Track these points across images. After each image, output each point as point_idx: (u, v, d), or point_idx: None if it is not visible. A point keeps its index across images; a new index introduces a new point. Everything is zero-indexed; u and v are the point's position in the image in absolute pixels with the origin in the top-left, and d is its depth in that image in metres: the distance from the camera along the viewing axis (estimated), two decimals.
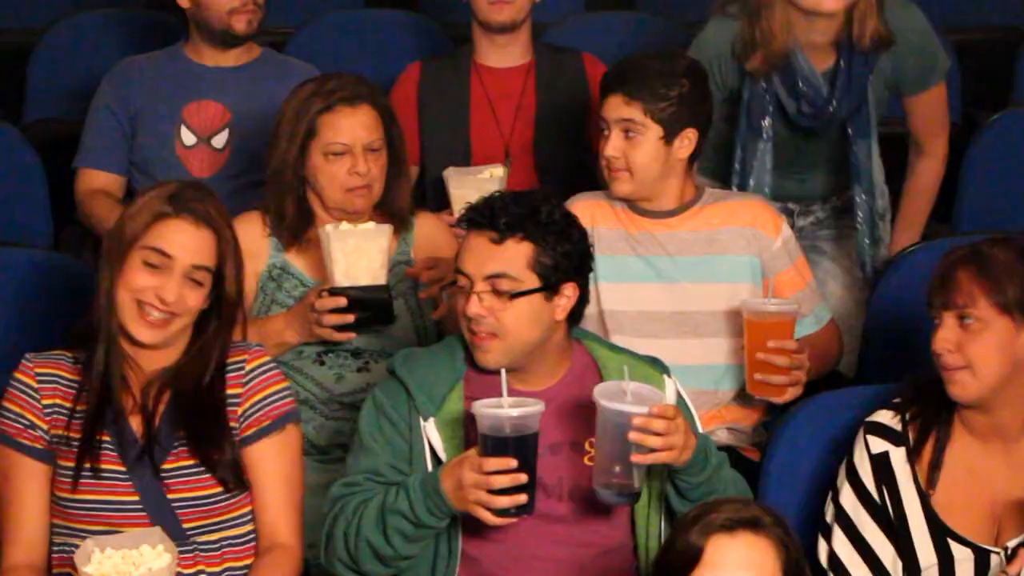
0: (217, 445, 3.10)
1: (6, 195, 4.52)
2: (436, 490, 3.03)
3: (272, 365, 3.21)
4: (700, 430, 3.24)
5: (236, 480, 3.11)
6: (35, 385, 3.10)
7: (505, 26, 4.42)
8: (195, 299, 3.11)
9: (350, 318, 3.55)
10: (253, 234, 3.72)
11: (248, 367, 3.17)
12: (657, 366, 3.28)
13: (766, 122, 4.10)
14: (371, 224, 3.59)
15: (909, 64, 4.13)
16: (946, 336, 3.05)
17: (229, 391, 3.15)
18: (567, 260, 3.14)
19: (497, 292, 3.11)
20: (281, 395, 3.18)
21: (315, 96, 3.69)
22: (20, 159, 4.55)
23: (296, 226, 3.73)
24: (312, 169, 3.70)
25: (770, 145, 4.12)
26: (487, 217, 3.12)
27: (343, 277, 3.54)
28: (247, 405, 3.15)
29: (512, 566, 3.15)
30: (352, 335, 3.59)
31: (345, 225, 3.57)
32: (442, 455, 3.13)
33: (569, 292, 3.16)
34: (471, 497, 2.98)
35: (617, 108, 3.68)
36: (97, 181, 4.40)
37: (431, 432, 3.14)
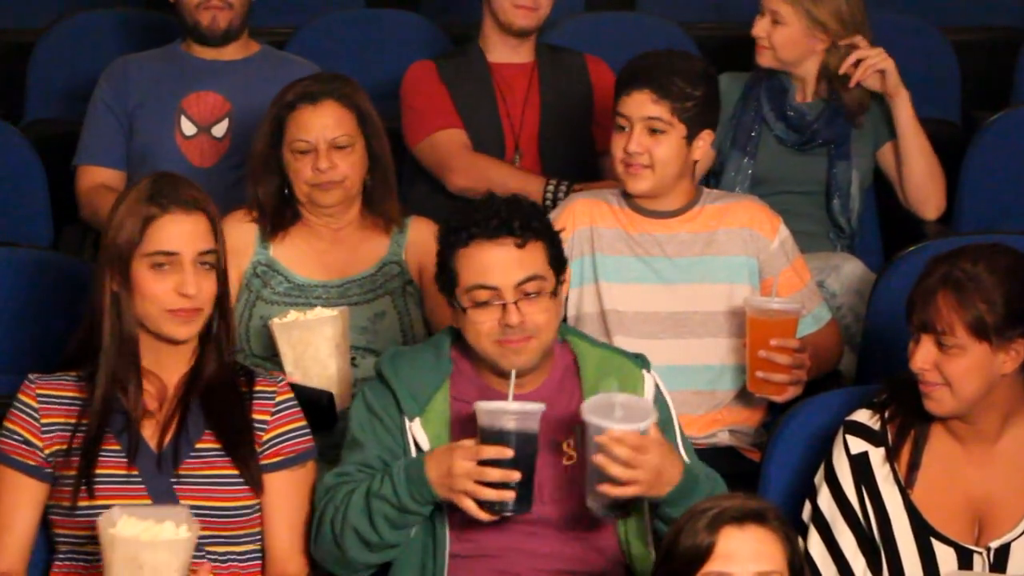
0: (246, 439, 3.11)
1: (6, 195, 4.52)
2: (420, 476, 3.02)
3: (296, 403, 3.21)
4: (679, 440, 3.17)
5: (255, 481, 3.11)
6: (35, 405, 3.10)
7: (526, 31, 4.46)
8: (210, 285, 3.11)
9: None
10: (238, 231, 3.75)
11: (278, 399, 3.18)
12: (637, 361, 3.23)
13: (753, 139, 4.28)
14: (319, 310, 3.58)
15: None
16: (924, 357, 3.07)
17: (256, 416, 3.15)
18: (561, 250, 3.17)
19: (527, 295, 3.09)
20: (305, 431, 3.19)
21: (284, 95, 3.77)
22: (20, 159, 4.55)
23: (275, 214, 3.78)
24: (285, 166, 3.76)
25: (752, 163, 4.28)
26: (504, 225, 3.09)
27: (293, 367, 3.52)
28: (273, 434, 3.15)
29: (499, 567, 3.13)
30: None
31: (292, 314, 3.56)
32: None
33: (566, 278, 3.18)
34: (459, 486, 2.98)
35: (643, 106, 3.66)
36: (98, 177, 4.41)
37: (417, 431, 3.13)
